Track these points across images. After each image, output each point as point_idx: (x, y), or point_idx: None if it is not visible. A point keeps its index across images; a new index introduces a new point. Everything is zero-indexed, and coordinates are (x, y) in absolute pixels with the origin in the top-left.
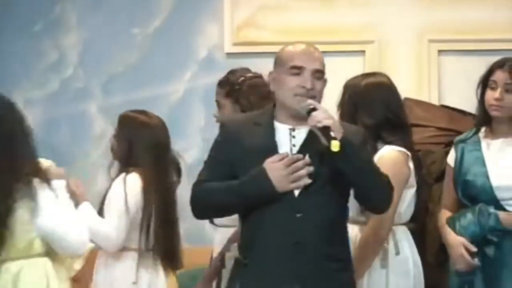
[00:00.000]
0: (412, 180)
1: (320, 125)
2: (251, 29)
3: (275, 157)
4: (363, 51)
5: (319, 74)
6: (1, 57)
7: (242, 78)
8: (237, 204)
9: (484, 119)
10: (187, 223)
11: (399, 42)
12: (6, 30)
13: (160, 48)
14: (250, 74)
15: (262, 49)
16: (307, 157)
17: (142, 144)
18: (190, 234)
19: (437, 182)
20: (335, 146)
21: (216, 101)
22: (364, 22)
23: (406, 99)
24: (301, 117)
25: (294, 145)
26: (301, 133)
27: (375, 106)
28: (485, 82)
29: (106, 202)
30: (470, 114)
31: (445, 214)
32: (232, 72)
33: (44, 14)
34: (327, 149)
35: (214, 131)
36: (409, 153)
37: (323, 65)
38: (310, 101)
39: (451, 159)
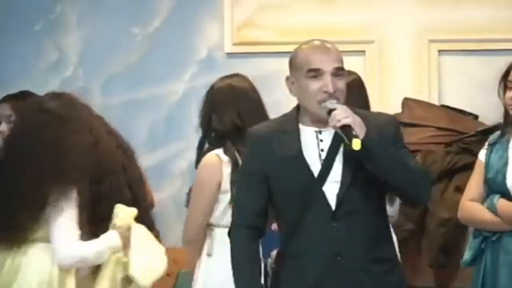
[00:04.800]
0: (226, 185)
1: (339, 124)
2: (251, 29)
3: None
4: (363, 51)
5: (340, 72)
6: (1, 57)
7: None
8: None
9: (509, 120)
10: None
11: (399, 42)
12: (6, 29)
13: (160, 48)
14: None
15: (262, 49)
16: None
17: None
18: None
19: (438, 182)
20: (356, 144)
21: None
22: (364, 22)
23: (406, 99)
24: (320, 119)
25: (322, 150)
26: (328, 136)
27: (226, 112)
28: (504, 83)
29: None
30: (470, 114)
31: (477, 204)
32: None
33: (44, 14)
34: (349, 148)
35: None
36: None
37: (342, 61)
38: (326, 103)
39: (482, 155)
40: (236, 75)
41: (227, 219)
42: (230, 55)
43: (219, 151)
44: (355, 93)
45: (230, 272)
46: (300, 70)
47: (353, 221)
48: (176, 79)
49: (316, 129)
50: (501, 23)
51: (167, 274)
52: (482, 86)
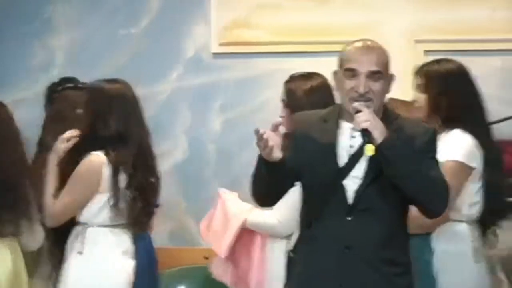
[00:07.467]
0: (105, 185)
1: (359, 127)
2: (238, 29)
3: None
4: None
5: (377, 75)
6: None
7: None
8: (262, 177)
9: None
10: (172, 223)
11: (386, 42)
12: None
13: (147, 49)
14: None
15: (249, 49)
16: (264, 130)
17: None
18: (175, 235)
19: None
20: (368, 150)
21: None
22: (351, 22)
23: (392, 99)
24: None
25: (351, 146)
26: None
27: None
28: None
29: None
30: None
31: None
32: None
33: (34, 15)
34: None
35: (200, 131)
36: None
37: (383, 64)
38: (355, 103)
39: None
40: (116, 80)
41: (100, 219)
42: (217, 55)
43: (100, 153)
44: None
45: (101, 270)
46: (341, 67)
47: (367, 219)
48: (163, 80)
49: (352, 125)
50: (486, 24)
51: None
52: None
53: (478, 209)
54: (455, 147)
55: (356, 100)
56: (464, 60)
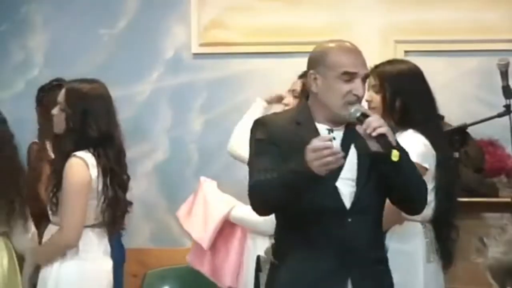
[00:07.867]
0: (93, 186)
1: (376, 133)
2: (218, 30)
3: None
4: None
5: (366, 78)
6: None
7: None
8: (287, 193)
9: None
10: (154, 224)
11: (365, 42)
12: None
13: (127, 49)
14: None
15: (229, 50)
16: (336, 147)
17: None
18: (156, 235)
19: None
20: (395, 156)
21: None
22: (330, 23)
23: None
24: (340, 119)
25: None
26: (339, 135)
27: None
28: None
29: None
30: None
31: None
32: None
33: (10, 14)
34: (387, 157)
35: (180, 131)
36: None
37: None
38: (357, 106)
39: None
40: (94, 80)
41: None
42: (197, 55)
43: (83, 154)
44: None
45: (85, 270)
46: (332, 70)
47: (362, 220)
48: (143, 80)
49: (328, 127)
50: (466, 24)
51: (134, 275)
52: (447, 87)
53: (432, 209)
54: (408, 147)
55: (353, 103)
56: (445, 61)
